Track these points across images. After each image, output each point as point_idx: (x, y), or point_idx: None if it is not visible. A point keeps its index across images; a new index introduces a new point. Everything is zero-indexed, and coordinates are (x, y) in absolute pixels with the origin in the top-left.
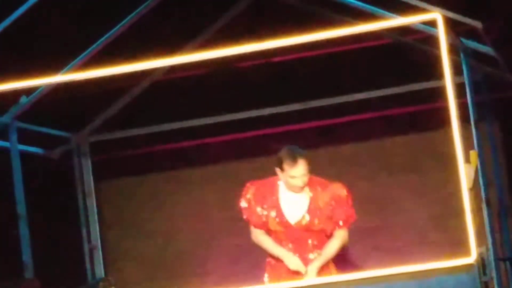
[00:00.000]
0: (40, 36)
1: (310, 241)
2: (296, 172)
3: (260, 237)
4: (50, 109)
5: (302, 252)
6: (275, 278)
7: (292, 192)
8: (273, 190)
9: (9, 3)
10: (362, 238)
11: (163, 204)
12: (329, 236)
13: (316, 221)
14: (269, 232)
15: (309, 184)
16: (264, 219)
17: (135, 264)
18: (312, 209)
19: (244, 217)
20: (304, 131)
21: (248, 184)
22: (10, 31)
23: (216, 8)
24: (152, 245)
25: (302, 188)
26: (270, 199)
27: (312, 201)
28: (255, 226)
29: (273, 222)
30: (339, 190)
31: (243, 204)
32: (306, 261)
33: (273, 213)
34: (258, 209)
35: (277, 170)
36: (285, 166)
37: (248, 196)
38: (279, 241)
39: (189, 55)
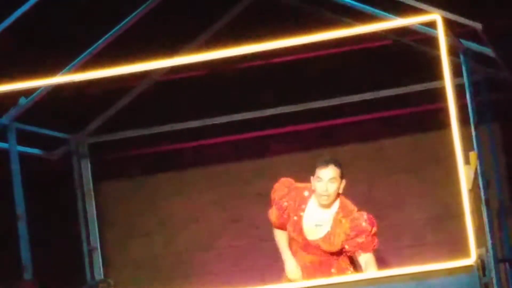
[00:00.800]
0: (39, 37)
1: (330, 256)
2: (323, 174)
3: (276, 232)
4: (49, 110)
5: (320, 266)
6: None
7: (319, 205)
8: (304, 199)
9: (9, 3)
10: None
11: (162, 205)
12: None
13: (331, 247)
14: (288, 235)
15: (340, 207)
16: (283, 219)
17: (134, 265)
18: (330, 234)
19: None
20: (304, 132)
21: (283, 180)
22: (9, 32)
23: (216, 9)
24: (151, 246)
25: (327, 199)
26: (297, 205)
27: (334, 226)
28: (273, 225)
29: (291, 229)
30: (361, 220)
31: (273, 196)
32: (324, 265)
33: (293, 220)
34: (281, 212)
35: (311, 178)
36: (316, 168)
37: (276, 196)
38: (297, 247)
39: (189, 56)
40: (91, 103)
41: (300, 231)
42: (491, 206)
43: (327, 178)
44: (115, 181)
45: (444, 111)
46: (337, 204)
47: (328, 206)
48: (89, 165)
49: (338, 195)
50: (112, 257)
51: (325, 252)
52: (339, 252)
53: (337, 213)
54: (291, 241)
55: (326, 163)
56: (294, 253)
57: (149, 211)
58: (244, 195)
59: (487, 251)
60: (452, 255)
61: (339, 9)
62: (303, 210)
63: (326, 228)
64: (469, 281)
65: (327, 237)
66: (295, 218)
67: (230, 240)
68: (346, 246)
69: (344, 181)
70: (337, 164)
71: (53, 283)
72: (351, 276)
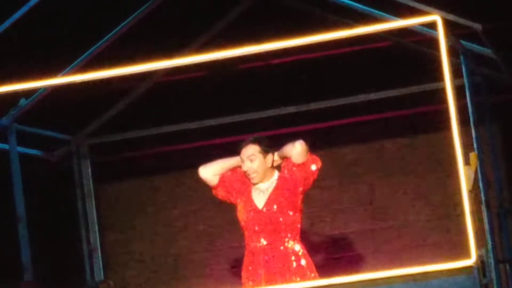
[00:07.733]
0: (40, 38)
1: (283, 228)
2: (243, 153)
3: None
4: (50, 111)
5: (275, 241)
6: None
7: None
8: (248, 182)
9: (9, 4)
10: (362, 240)
11: (162, 205)
12: (299, 222)
13: (282, 199)
14: (241, 227)
15: (278, 177)
16: (233, 197)
17: (135, 266)
18: (276, 190)
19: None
20: (304, 133)
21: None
22: (10, 33)
23: (216, 11)
24: (151, 247)
25: (252, 177)
26: (244, 186)
27: (277, 185)
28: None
29: (242, 209)
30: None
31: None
32: (280, 251)
33: (243, 199)
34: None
35: None
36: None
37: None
38: (251, 233)
39: (189, 58)
40: (91, 104)
41: (251, 204)
42: (491, 207)
43: (245, 156)
44: (115, 182)
45: (444, 111)
46: (275, 175)
47: (262, 182)
48: (89, 166)
49: (270, 169)
50: (112, 257)
51: (278, 224)
52: (291, 225)
53: (277, 178)
54: (245, 232)
55: (245, 143)
56: (248, 245)
57: (149, 212)
58: None
59: (487, 251)
60: (452, 256)
61: (339, 10)
62: (249, 189)
63: (270, 191)
64: (469, 282)
65: (273, 194)
66: (243, 198)
67: (231, 241)
68: (286, 171)
69: (271, 155)
70: (256, 141)
71: (53, 283)
72: (352, 277)
